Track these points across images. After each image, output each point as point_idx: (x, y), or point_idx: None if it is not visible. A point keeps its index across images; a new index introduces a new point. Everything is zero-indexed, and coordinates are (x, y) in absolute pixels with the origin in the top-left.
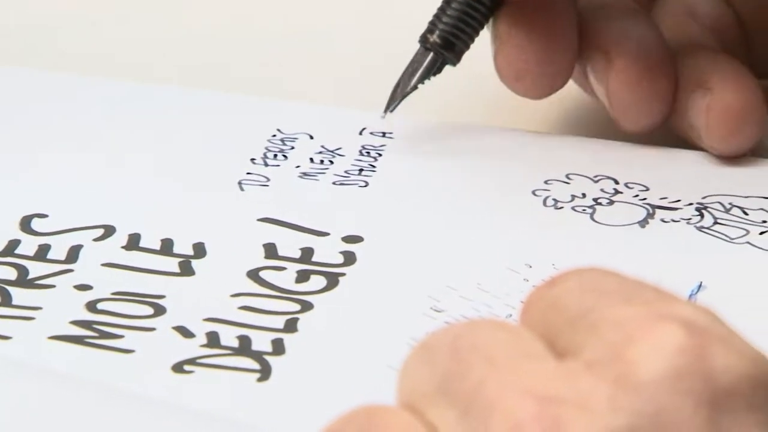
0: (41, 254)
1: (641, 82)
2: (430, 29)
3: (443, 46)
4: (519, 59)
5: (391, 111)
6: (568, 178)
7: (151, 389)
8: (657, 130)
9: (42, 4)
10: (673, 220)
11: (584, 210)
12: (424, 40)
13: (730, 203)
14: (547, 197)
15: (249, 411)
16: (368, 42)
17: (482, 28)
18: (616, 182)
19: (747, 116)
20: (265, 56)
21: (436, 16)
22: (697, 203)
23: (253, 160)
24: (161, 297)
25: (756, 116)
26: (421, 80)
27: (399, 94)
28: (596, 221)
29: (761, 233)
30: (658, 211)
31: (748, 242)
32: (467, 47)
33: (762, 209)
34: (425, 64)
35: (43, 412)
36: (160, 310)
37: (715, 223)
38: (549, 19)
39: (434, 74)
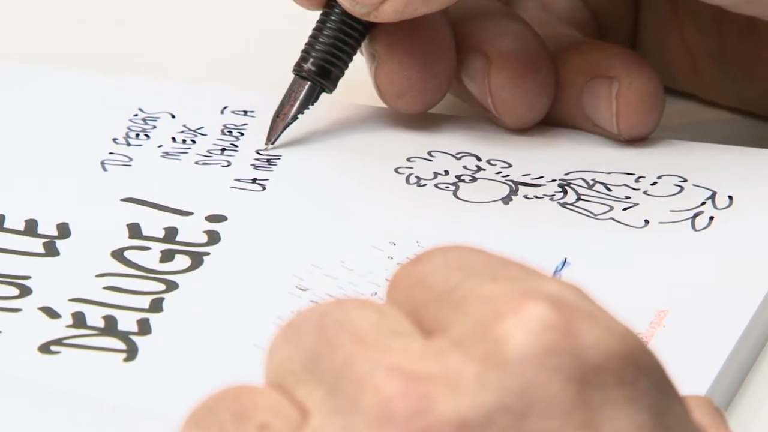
0: None
1: (524, 77)
2: (304, 57)
3: (319, 73)
4: (401, 76)
5: (273, 143)
6: (431, 156)
7: (17, 370)
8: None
9: None
10: (536, 197)
11: (447, 187)
12: (299, 68)
13: (593, 179)
14: (410, 175)
15: (116, 391)
16: (229, 17)
17: (356, 52)
18: (479, 159)
19: (657, 101)
20: (124, 34)
21: (309, 44)
22: (560, 179)
23: (115, 140)
24: (26, 278)
25: (662, 99)
26: (301, 110)
27: (280, 125)
28: (459, 198)
29: (625, 209)
30: (521, 187)
31: (611, 218)
32: (342, 73)
33: (625, 185)
34: (303, 93)
35: None
36: (25, 291)
37: (579, 199)
38: (427, 33)
39: (312, 103)
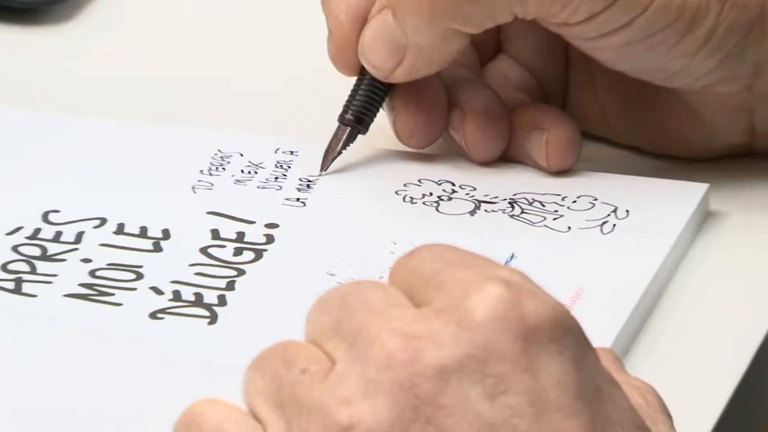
0: (56, 237)
1: (487, 127)
2: (345, 110)
3: (356, 121)
4: (412, 122)
5: (325, 171)
6: (420, 182)
7: (134, 331)
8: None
9: None
10: (493, 211)
11: (431, 204)
12: (342, 117)
13: (532, 198)
14: (405, 195)
15: (202, 345)
16: (283, 82)
17: (381, 105)
18: (453, 184)
19: (575, 145)
20: (205, 93)
21: (349, 100)
22: (510, 198)
23: (201, 171)
24: (140, 266)
25: (579, 143)
26: (344, 147)
27: (329, 157)
28: (440, 212)
29: (554, 219)
30: (482, 204)
31: (545, 225)
32: (372, 120)
33: (555, 203)
34: (345, 136)
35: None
36: (139, 276)
37: (522, 212)
38: (430, 93)
39: (351, 142)
